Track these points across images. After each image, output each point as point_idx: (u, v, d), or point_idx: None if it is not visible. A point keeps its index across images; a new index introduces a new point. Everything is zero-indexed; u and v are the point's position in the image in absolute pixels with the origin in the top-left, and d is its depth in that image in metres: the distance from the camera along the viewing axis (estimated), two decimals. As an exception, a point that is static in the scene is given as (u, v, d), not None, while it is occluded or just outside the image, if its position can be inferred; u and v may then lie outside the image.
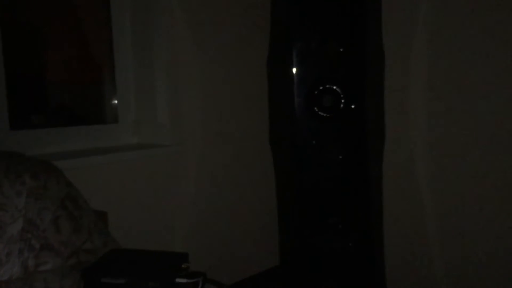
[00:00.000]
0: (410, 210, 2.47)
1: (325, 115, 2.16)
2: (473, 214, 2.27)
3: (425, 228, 2.43)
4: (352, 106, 2.13)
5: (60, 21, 2.28)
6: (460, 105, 2.27)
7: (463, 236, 2.31)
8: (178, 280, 1.19)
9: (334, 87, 2.13)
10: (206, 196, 2.46)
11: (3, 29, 1.87)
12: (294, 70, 2.17)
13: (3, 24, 1.87)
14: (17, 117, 1.96)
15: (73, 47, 2.33)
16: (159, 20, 2.26)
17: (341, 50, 2.13)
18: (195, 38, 2.36)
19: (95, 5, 2.37)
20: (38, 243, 1.29)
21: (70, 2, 2.31)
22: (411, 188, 2.46)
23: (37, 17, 2.20)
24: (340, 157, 2.18)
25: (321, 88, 2.14)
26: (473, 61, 2.21)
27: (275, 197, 2.55)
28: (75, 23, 2.33)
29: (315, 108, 2.16)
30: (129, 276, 1.17)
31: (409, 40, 2.39)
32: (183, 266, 1.27)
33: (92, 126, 2.26)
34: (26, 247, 1.27)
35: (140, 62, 2.34)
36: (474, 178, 2.25)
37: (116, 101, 2.34)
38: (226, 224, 2.57)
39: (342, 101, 2.12)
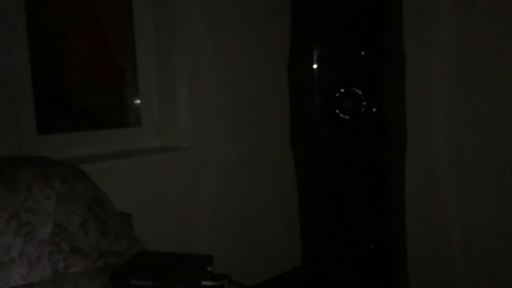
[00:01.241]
0: (433, 212, 2.46)
1: (346, 117, 2.16)
2: (498, 215, 2.25)
3: (448, 231, 2.41)
4: (374, 109, 2.12)
5: (83, 25, 2.32)
6: (483, 107, 2.24)
7: (487, 238, 2.29)
8: (204, 282, 1.21)
9: (356, 90, 2.12)
10: (227, 198, 2.48)
11: (29, 34, 1.91)
12: (315, 72, 2.17)
13: (30, 31, 1.91)
14: (43, 122, 2.00)
15: (96, 51, 2.37)
16: (180, 24, 2.28)
17: (362, 53, 2.13)
18: (216, 41, 2.38)
19: (117, 9, 2.41)
20: (67, 246, 1.33)
21: (94, 7, 2.35)
22: (434, 190, 2.44)
23: (61, 23, 2.25)
24: (362, 159, 2.17)
25: (342, 90, 2.14)
26: (497, 62, 2.18)
27: (297, 198, 2.55)
28: (98, 27, 2.37)
29: (336, 111, 2.16)
30: (156, 278, 1.20)
31: (431, 42, 2.37)
32: (208, 268, 1.30)
33: (116, 130, 2.29)
34: (56, 250, 1.31)
35: (161, 66, 2.37)
36: (498, 180, 2.23)
37: (138, 104, 2.37)
38: (248, 226, 2.58)
39: (364, 103, 2.12)
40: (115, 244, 1.40)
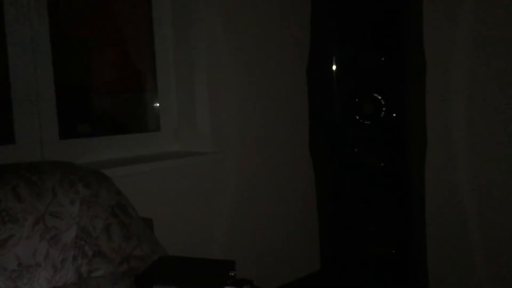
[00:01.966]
0: (453, 217, 2.44)
1: (366, 122, 2.16)
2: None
3: (468, 234, 2.39)
4: (394, 114, 2.12)
5: (104, 32, 2.34)
6: (503, 111, 2.22)
7: (508, 243, 2.26)
8: None
9: (376, 95, 2.12)
10: (246, 202, 2.48)
11: (52, 42, 1.94)
12: (334, 77, 2.17)
13: (52, 38, 1.94)
14: (65, 127, 2.03)
15: (117, 58, 2.40)
16: (199, 29, 2.29)
17: (382, 59, 2.12)
18: (235, 46, 2.39)
19: (137, 15, 2.44)
20: (91, 250, 1.34)
21: (114, 14, 2.38)
22: (454, 195, 2.42)
23: (83, 30, 2.28)
24: (382, 164, 2.17)
25: (362, 95, 2.14)
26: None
27: (315, 202, 2.55)
28: (118, 34, 2.40)
29: (356, 116, 2.16)
30: (179, 284, 1.21)
31: (451, 47, 2.35)
32: (230, 274, 1.30)
33: (136, 134, 2.31)
34: (79, 254, 1.32)
35: (181, 71, 2.38)
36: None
37: (158, 109, 2.39)
38: (267, 230, 2.58)
39: (384, 109, 2.11)
40: (138, 249, 1.41)
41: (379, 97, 2.12)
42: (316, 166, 2.50)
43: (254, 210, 2.51)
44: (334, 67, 2.17)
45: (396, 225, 2.25)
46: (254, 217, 2.51)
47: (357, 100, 2.14)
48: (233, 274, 1.29)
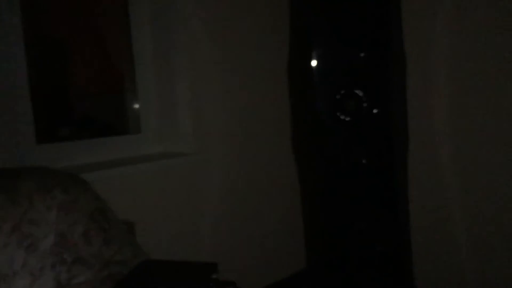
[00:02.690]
0: (437, 213, 2.45)
1: (347, 119, 2.15)
2: (502, 216, 2.23)
3: (452, 230, 2.40)
4: (374, 111, 2.12)
5: (81, 33, 2.31)
6: (484, 106, 2.24)
7: (491, 238, 2.28)
8: (210, 291, 1.20)
9: (356, 91, 2.12)
10: (230, 203, 2.47)
11: (27, 44, 1.90)
12: (315, 74, 2.16)
13: (28, 39, 1.90)
14: (43, 131, 1.99)
15: (95, 59, 2.36)
16: (178, 30, 2.27)
17: (362, 55, 2.12)
18: (215, 46, 2.37)
19: (115, 16, 2.40)
20: (70, 257, 1.31)
21: (91, 14, 2.34)
22: (437, 190, 2.43)
23: (60, 31, 2.24)
24: (364, 161, 2.16)
25: (343, 92, 2.13)
26: (495, 60, 2.18)
27: (299, 201, 2.54)
28: (96, 34, 2.36)
29: (338, 113, 2.15)
30: (161, 288, 1.19)
31: (430, 42, 2.36)
32: (213, 276, 1.28)
33: (116, 137, 2.28)
34: (58, 261, 1.29)
35: (161, 71, 2.36)
36: (501, 179, 2.22)
37: (138, 111, 2.36)
38: (251, 230, 2.57)
39: (365, 105, 2.11)
40: (119, 254, 1.39)
41: (360, 93, 2.12)
42: (299, 164, 2.50)
43: (238, 210, 2.50)
44: (314, 63, 2.16)
45: (381, 222, 2.25)
46: (238, 217, 2.50)
47: (338, 96, 2.13)
48: (215, 276, 1.28)
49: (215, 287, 1.22)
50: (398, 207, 2.31)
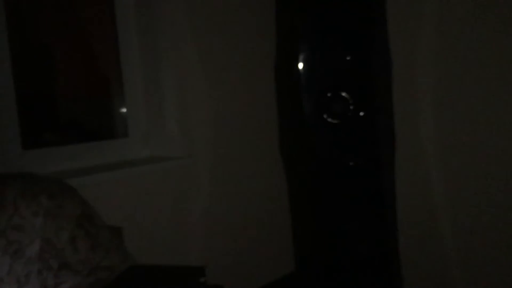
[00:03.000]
0: (424, 214, 2.46)
1: (334, 122, 2.16)
2: (488, 215, 2.26)
3: (440, 231, 2.42)
4: (361, 113, 2.13)
5: (67, 37, 2.29)
6: (470, 106, 2.26)
7: (478, 237, 2.30)
8: (197, 295, 1.20)
9: (343, 94, 2.13)
10: (219, 206, 2.46)
11: (12, 48, 1.89)
12: (302, 77, 2.17)
13: (13, 43, 1.89)
14: (29, 136, 1.97)
15: (82, 63, 2.35)
16: (165, 34, 2.26)
17: (348, 58, 2.13)
18: (202, 49, 2.37)
19: (101, 19, 2.39)
20: (57, 263, 1.30)
21: (78, 18, 2.33)
22: (424, 191, 2.44)
23: (45, 35, 2.22)
24: (351, 163, 2.18)
25: (329, 95, 2.14)
26: (482, 61, 2.20)
27: (287, 203, 2.54)
28: (82, 38, 2.35)
29: (324, 115, 2.16)
30: (148, 293, 1.18)
31: (415, 45, 2.37)
32: (201, 280, 1.28)
33: (103, 142, 2.27)
34: (44, 267, 1.28)
35: (148, 75, 2.35)
36: (488, 179, 2.24)
37: (125, 115, 2.35)
38: (240, 233, 2.57)
39: (351, 107, 2.13)
40: (106, 259, 1.38)
41: (346, 96, 2.13)
42: (287, 166, 2.50)
43: (226, 214, 2.50)
44: (301, 66, 2.17)
45: (369, 224, 2.26)
46: (226, 221, 2.50)
47: (324, 99, 2.14)
48: (203, 280, 1.28)
49: (203, 291, 1.22)
50: (385, 208, 2.33)
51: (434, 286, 2.48)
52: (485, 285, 2.30)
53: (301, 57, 2.17)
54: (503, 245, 2.23)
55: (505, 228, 2.22)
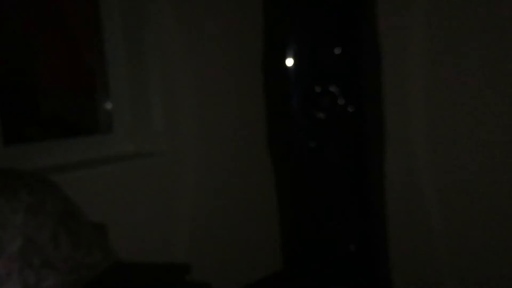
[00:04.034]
0: (414, 211, 2.46)
1: (322, 117, 2.15)
2: (479, 213, 2.26)
3: (430, 227, 2.42)
4: (349, 108, 2.12)
5: (50, 29, 2.25)
6: (462, 102, 2.26)
7: (468, 234, 2.31)
8: (182, 292, 1.18)
9: (331, 89, 2.12)
10: (205, 203, 2.44)
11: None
12: (290, 72, 2.16)
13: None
14: (10, 131, 1.93)
15: (65, 57, 2.31)
16: (150, 26, 2.23)
17: (336, 51, 2.12)
18: (188, 43, 2.34)
19: (86, 13, 2.35)
20: (38, 260, 1.28)
21: (60, 10, 2.28)
22: (414, 187, 2.44)
23: (28, 28, 2.18)
24: (339, 159, 2.17)
25: (317, 89, 2.13)
26: (473, 56, 2.20)
27: (275, 200, 2.53)
28: (65, 30, 2.31)
29: (313, 110, 2.15)
30: (132, 291, 1.16)
31: (405, 39, 2.37)
32: (186, 277, 1.26)
33: (87, 137, 2.23)
34: (26, 265, 1.25)
35: (133, 69, 2.31)
36: (478, 175, 2.25)
37: (110, 109, 2.32)
38: (227, 231, 2.55)
39: (340, 103, 2.12)
40: (88, 256, 1.36)
41: (335, 91, 2.12)
42: (275, 162, 2.48)
43: (212, 210, 2.47)
44: (288, 60, 2.15)
45: (356, 222, 2.25)
46: (213, 218, 2.48)
47: (313, 94, 2.13)
48: (189, 277, 1.26)
49: (188, 288, 1.20)
50: (373, 206, 2.32)
51: (424, 280, 2.48)
52: (476, 280, 2.31)
53: (289, 51, 2.15)
54: (496, 246, 2.24)
55: (496, 225, 2.22)
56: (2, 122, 1.88)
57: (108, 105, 2.32)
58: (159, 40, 2.25)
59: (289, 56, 2.17)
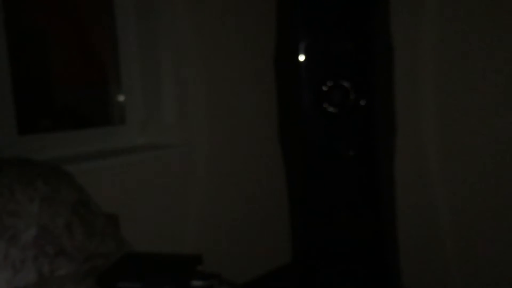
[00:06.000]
0: (423, 206, 2.45)
1: (334, 111, 2.15)
2: (488, 212, 2.25)
3: (439, 226, 2.41)
4: (361, 102, 2.11)
5: (64, 22, 2.27)
6: (473, 99, 2.24)
7: (477, 234, 2.29)
8: (194, 282, 1.19)
9: (343, 83, 2.11)
10: (216, 195, 2.46)
11: (9, 33, 1.86)
12: (302, 66, 2.15)
13: (10, 29, 1.86)
14: (25, 122, 1.96)
15: (78, 49, 2.33)
16: (164, 19, 2.24)
17: (349, 46, 2.11)
18: (201, 36, 2.35)
19: (99, 5, 2.36)
20: (53, 249, 1.29)
21: (74, 4, 2.30)
22: (424, 184, 2.43)
23: (41, 20, 2.20)
24: (351, 153, 2.16)
25: (329, 84, 2.12)
26: (484, 53, 2.18)
27: (286, 193, 2.54)
28: (79, 24, 2.33)
29: (324, 105, 2.14)
30: (145, 280, 1.18)
31: (418, 35, 2.35)
32: (198, 268, 1.28)
33: (100, 128, 2.25)
34: (41, 253, 1.27)
35: (145, 62, 2.33)
36: (488, 174, 2.23)
37: (123, 102, 2.34)
38: (237, 223, 2.56)
39: (351, 96, 2.11)
40: (102, 246, 1.38)
41: (347, 85, 2.11)
42: (286, 156, 2.49)
43: (223, 202, 2.49)
44: (300, 55, 2.14)
45: (367, 216, 2.25)
46: (224, 210, 2.49)
47: (324, 88, 2.12)
48: (200, 268, 1.27)
49: (200, 279, 1.21)
50: (384, 200, 2.32)
51: (432, 281, 2.48)
52: (483, 282, 2.30)
53: (301, 46, 2.15)
54: (505, 246, 2.23)
55: (508, 225, 2.21)
56: (17, 112, 1.90)
57: (121, 98, 2.34)
58: (172, 33, 2.26)
59: (301, 50, 2.17)
